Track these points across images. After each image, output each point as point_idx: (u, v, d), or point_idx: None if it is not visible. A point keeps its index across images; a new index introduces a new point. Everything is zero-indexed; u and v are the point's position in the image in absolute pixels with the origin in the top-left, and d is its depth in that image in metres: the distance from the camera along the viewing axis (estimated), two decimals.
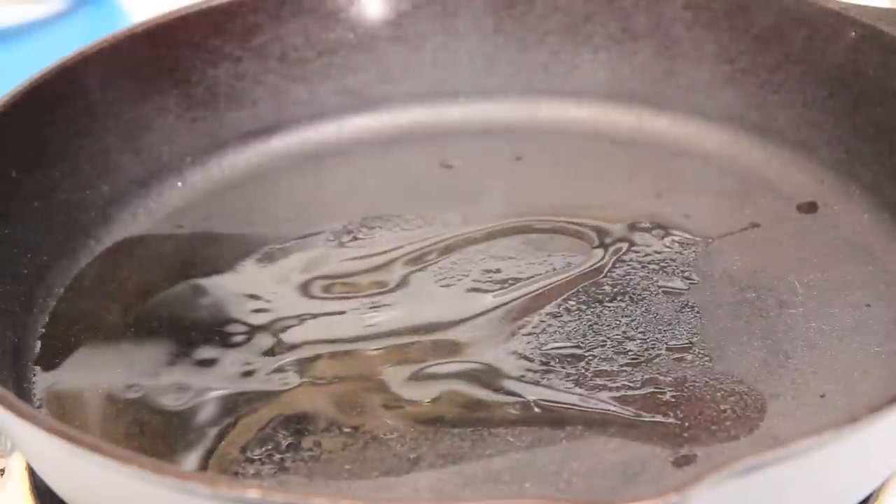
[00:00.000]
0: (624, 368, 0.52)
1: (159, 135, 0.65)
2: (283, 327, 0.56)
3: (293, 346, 0.54)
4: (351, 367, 0.53)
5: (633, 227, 0.61)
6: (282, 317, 0.56)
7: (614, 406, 0.50)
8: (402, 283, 0.58)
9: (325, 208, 0.64)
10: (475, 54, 0.71)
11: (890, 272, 0.57)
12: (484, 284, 0.58)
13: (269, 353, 0.54)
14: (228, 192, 0.66)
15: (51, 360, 0.55)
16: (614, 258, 0.59)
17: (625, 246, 0.59)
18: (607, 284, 0.57)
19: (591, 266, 0.58)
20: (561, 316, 0.55)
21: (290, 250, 0.61)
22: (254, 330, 0.56)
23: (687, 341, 0.53)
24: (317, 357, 0.54)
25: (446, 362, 0.53)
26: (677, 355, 0.53)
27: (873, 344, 0.53)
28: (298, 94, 0.69)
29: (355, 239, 0.61)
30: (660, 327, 0.54)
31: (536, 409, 0.50)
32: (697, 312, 0.55)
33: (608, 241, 0.60)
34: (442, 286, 0.58)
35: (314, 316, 0.56)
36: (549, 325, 0.55)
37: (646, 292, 0.56)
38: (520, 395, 0.51)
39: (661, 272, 0.58)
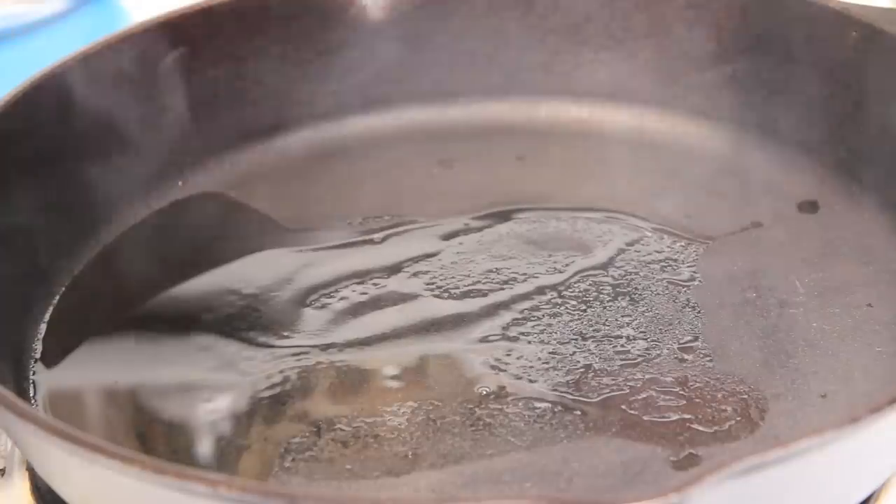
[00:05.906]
0: (625, 368, 0.52)
1: (159, 135, 0.65)
2: (284, 328, 0.56)
3: (293, 347, 0.54)
4: (351, 367, 0.53)
5: (633, 226, 0.61)
6: (282, 317, 0.56)
7: (615, 406, 0.50)
8: (403, 283, 0.58)
9: (326, 208, 0.64)
10: (475, 54, 0.71)
11: (891, 272, 0.57)
12: (484, 284, 0.57)
13: (270, 353, 0.54)
14: (228, 192, 0.65)
15: (51, 360, 0.55)
16: (615, 258, 0.59)
17: (626, 246, 0.59)
18: (608, 284, 0.57)
19: (592, 266, 0.58)
20: (561, 315, 0.55)
21: (290, 250, 0.61)
22: (254, 330, 0.56)
23: (688, 341, 0.53)
24: (317, 357, 0.54)
25: (447, 362, 0.53)
26: (678, 355, 0.53)
27: (874, 344, 0.53)
28: (298, 94, 0.69)
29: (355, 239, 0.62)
30: (661, 327, 0.54)
31: (537, 409, 0.50)
32: (698, 312, 0.55)
33: (608, 240, 0.60)
34: (442, 286, 0.58)
35: (314, 316, 0.56)
36: (550, 325, 0.55)
37: (647, 292, 0.56)
38: (521, 395, 0.51)
39: (661, 272, 0.58)
